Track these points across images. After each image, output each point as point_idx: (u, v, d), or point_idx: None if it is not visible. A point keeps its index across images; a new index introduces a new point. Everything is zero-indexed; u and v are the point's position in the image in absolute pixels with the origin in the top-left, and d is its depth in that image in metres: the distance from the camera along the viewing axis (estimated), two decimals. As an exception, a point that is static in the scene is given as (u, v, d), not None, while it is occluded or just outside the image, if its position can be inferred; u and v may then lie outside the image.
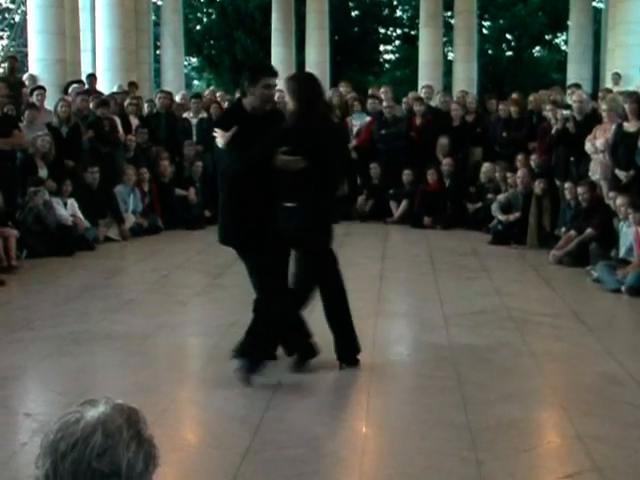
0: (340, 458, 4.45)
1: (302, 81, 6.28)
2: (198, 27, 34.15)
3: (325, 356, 6.35)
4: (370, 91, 16.31)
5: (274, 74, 5.94)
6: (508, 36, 35.22)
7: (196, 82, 38.97)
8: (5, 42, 30.03)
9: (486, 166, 13.45)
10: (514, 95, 14.19)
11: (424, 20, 23.08)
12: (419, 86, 18.92)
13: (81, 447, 1.66)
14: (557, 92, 14.09)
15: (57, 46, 14.93)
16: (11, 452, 4.50)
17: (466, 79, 22.36)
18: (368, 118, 14.81)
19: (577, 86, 14.43)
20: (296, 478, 4.17)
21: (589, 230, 10.16)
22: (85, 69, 18.22)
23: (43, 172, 11.44)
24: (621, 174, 10.22)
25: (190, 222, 13.07)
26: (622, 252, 9.40)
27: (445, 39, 25.43)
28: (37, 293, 8.71)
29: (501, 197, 12.50)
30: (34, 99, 12.55)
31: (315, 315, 6.26)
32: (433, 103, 15.74)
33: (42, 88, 13.00)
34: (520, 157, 12.57)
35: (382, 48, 37.57)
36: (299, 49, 24.26)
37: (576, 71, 22.32)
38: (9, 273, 9.40)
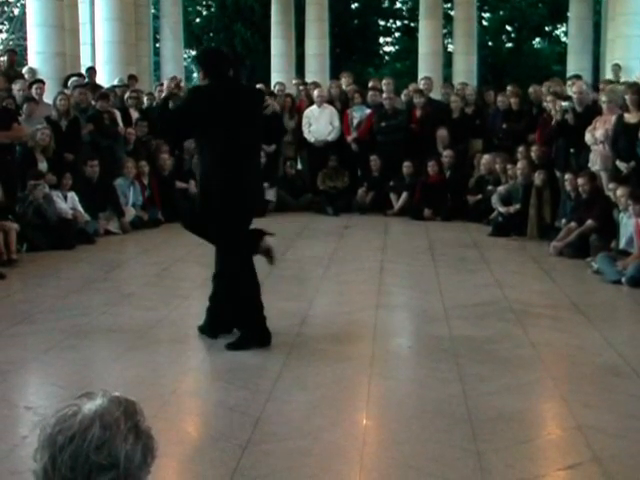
0: (341, 449, 4.45)
1: None
2: (198, 20, 34.10)
3: (327, 347, 6.36)
4: (371, 83, 16.28)
5: None
6: (508, 28, 35.18)
7: (195, 75, 38.95)
8: (4, 36, 30.00)
9: (486, 158, 13.44)
10: (509, 87, 14.17)
11: (424, 12, 23.04)
12: (419, 78, 18.88)
13: (79, 440, 1.66)
14: (557, 83, 14.06)
15: (56, 39, 14.91)
16: (12, 445, 4.50)
17: (466, 71, 22.34)
18: (368, 110, 14.80)
19: (578, 77, 14.40)
20: (297, 470, 4.17)
21: (589, 221, 10.16)
22: (84, 62, 18.20)
23: (43, 165, 11.43)
24: (622, 165, 10.22)
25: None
26: (622, 243, 9.40)
27: (445, 31, 25.38)
28: (37, 287, 8.71)
29: (501, 189, 12.49)
30: (33, 92, 12.53)
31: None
32: (436, 95, 15.76)
33: (41, 81, 12.99)
34: (521, 149, 12.56)
35: (382, 40, 37.52)
36: (299, 41, 24.21)
37: (576, 62, 22.28)
38: (9, 267, 9.40)
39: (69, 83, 14.13)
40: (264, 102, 6.62)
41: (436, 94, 16.18)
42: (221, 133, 6.16)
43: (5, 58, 15.09)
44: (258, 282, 6.47)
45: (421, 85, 15.79)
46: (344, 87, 15.82)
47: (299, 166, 15.56)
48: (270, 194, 14.31)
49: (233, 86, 6.47)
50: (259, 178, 6.79)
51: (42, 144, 11.48)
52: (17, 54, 17.23)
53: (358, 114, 14.83)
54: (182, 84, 13.70)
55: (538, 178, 11.63)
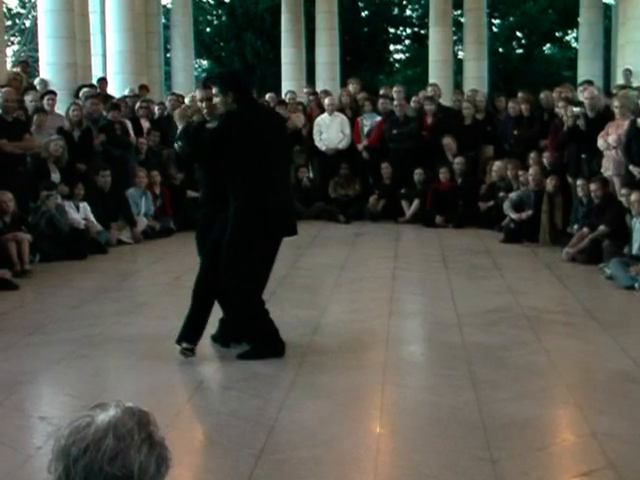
0: (355, 458, 4.45)
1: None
2: (208, 29, 34.18)
3: (340, 355, 6.35)
4: (382, 91, 16.29)
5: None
6: (518, 34, 35.12)
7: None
8: (16, 47, 30.14)
9: (498, 164, 13.42)
10: (520, 93, 14.16)
11: (434, 19, 23.03)
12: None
13: (93, 451, 1.66)
14: (568, 89, 14.05)
15: (68, 50, 14.96)
16: (26, 455, 4.51)
17: (476, 77, 22.30)
18: (378, 118, 14.80)
19: (589, 83, 14.38)
20: (311, 479, 4.17)
21: (602, 227, 10.13)
22: (96, 73, 18.24)
23: (56, 176, 11.48)
24: (635, 170, 10.19)
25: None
26: (635, 248, 9.37)
27: (455, 37, 25.38)
28: (50, 297, 8.74)
29: (513, 195, 12.47)
30: (45, 104, 12.57)
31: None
32: (446, 102, 15.77)
33: (53, 93, 13.03)
34: (532, 155, 12.54)
35: (392, 48, 37.52)
36: (309, 50, 24.24)
37: (587, 68, 22.23)
38: (22, 277, 9.43)
39: (80, 94, 14.18)
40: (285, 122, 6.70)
41: (447, 101, 16.17)
42: (259, 156, 6.19)
43: (19, 69, 15.12)
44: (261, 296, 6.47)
45: (428, 92, 15.77)
46: (352, 93, 15.82)
47: (310, 174, 15.57)
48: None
49: (263, 109, 6.55)
50: (292, 198, 6.83)
51: (55, 155, 11.54)
52: (29, 65, 17.29)
53: (368, 122, 14.84)
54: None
55: (550, 184, 11.61)
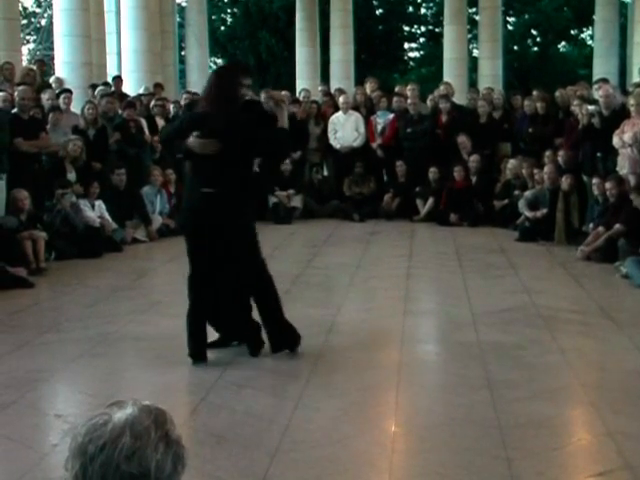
0: (369, 457, 4.44)
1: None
2: (222, 28, 34.21)
3: (355, 354, 6.35)
4: (397, 89, 16.27)
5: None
6: (533, 32, 35.02)
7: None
8: (32, 46, 30.25)
9: (512, 162, 13.39)
10: (535, 92, 14.13)
11: (448, 17, 23.00)
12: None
13: (109, 449, 1.66)
14: (583, 87, 14.00)
15: (83, 49, 15.02)
16: (42, 453, 4.52)
17: (491, 76, 22.26)
18: (391, 115, 14.78)
19: (605, 81, 14.31)
20: (326, 478, 4.16)
21: (617, 226, 10.08)
22: (111, 71, 18.32)
23: (72, 176, 11.52)
24: (651, 168, 10.16)
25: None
26: (651, 247, 9.33)
27: (470, 36, 25.34)
28: (65, 295, 8.76)
29: (528, 194, 12.43)
30: (61, 102, 12.61)
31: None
32: (461, 101, 15.74)
33: (69, 91, 13.07)
34: (548, 153, 12.51)
35: (407, 46, 37.48)
36: (323, 48, 24.25)
37: (602, 66, 22.13)
38: (38, 275, 9.47)
39: (95, 92, 14.23)
40: None
41: (462, 99, 16.14)
42: None
43: (35, 67, 15.19)
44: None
45: (440, 90, 15.74)
46: (369, 92, 15.82)
47: (325, 172, 15.58)
48: (296, 201, 14.37)
49: None
50: None
51: (73, 155, 11.59)
52: (45, 64, 17.35)
53: (382, 119, 14.82)
54: None
55: (565, 182, 11.57)
